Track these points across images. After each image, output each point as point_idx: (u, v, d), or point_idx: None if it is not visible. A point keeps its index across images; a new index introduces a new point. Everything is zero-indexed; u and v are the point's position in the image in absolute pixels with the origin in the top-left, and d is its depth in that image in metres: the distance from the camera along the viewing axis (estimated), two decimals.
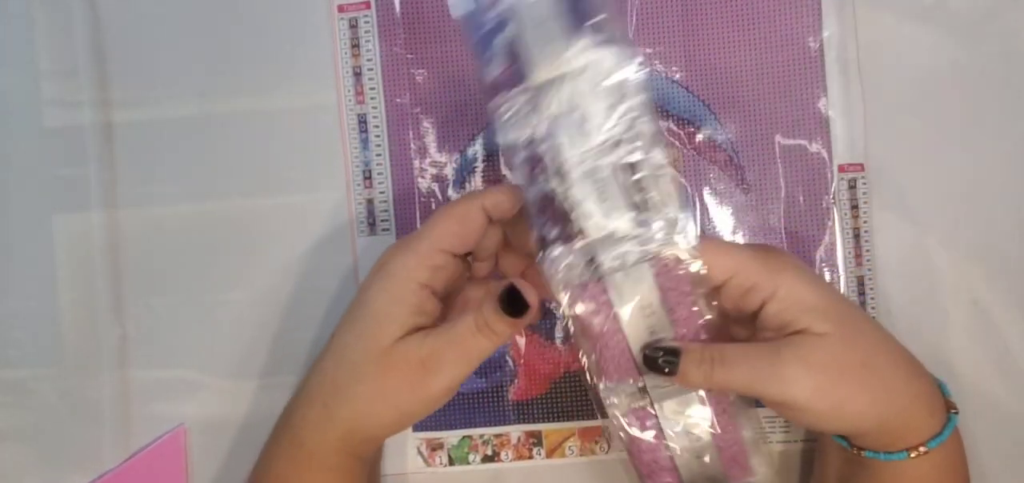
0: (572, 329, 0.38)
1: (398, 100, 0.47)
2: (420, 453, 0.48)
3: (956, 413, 0.38)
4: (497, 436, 0.47)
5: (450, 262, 0.38)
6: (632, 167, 0.36)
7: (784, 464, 0.46)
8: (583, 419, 0.47)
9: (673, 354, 0.36)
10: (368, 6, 0.47)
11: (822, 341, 0.36)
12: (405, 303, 0.37)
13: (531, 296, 0.36)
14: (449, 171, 0.47)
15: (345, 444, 0.38)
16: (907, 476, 0.37)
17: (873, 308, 0.45)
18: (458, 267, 0.40)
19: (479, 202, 0.38)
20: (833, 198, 0.46)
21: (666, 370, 0.36)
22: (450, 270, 0.39)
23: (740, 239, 0.46)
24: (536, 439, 0.47)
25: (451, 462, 0.48)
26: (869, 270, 0.46)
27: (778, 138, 0.46)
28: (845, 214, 0.46)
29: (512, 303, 0.36)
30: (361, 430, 0.38)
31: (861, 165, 0.46)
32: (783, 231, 0.46)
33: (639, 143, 0.36)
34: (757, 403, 0.38)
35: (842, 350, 0.36)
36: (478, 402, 0.47)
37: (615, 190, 0.36)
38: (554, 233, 0.37)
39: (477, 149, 0.47)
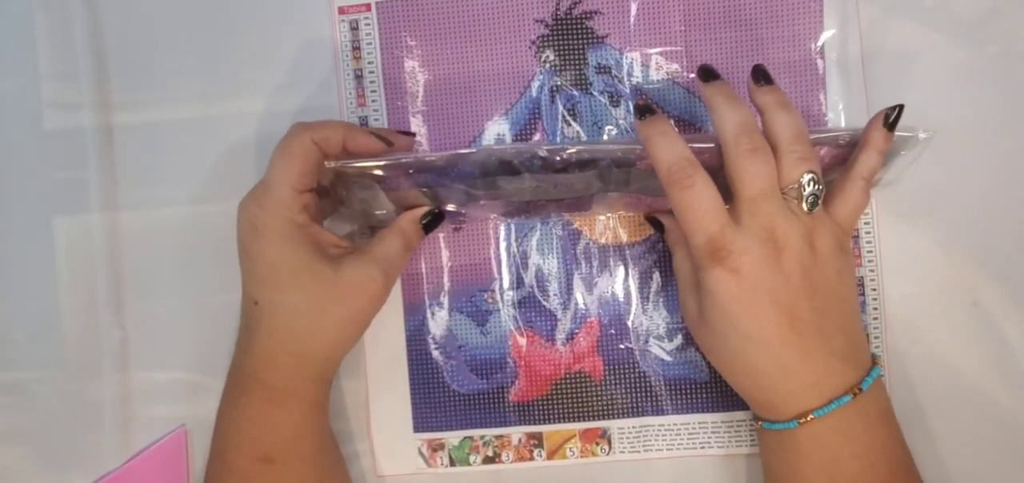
0: None
1: (399, 103, 0.47)
2: (421, 454, 0.48)
3: (823, 408, 0.36)
4: (498, 437, 0.47)
5: (310, 199, 0.41)
6: None
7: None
8: (584, 421, 0.47)
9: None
10: (369, 8, 0.47)
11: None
12: (307, 243, 0.40)
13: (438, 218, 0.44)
14: None
15: (318, 373, 0.42)
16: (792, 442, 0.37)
17: (875, 308, 0.46)
18: (314, 199, 0.41)
19: (309, 135, 0.39)
20: None
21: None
22: (313, 205, 0.41)
23: None
24: (537, 440, 0.47)
25: (452, 463, 0.48)
26: (870, 270, 0.46)
27: None
28: None
29: (434, 224, 0.43)
30: (335, 356, 0.42)
31: None
32: None
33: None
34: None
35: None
36: (479, 403, 0.47)
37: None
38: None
39: None
